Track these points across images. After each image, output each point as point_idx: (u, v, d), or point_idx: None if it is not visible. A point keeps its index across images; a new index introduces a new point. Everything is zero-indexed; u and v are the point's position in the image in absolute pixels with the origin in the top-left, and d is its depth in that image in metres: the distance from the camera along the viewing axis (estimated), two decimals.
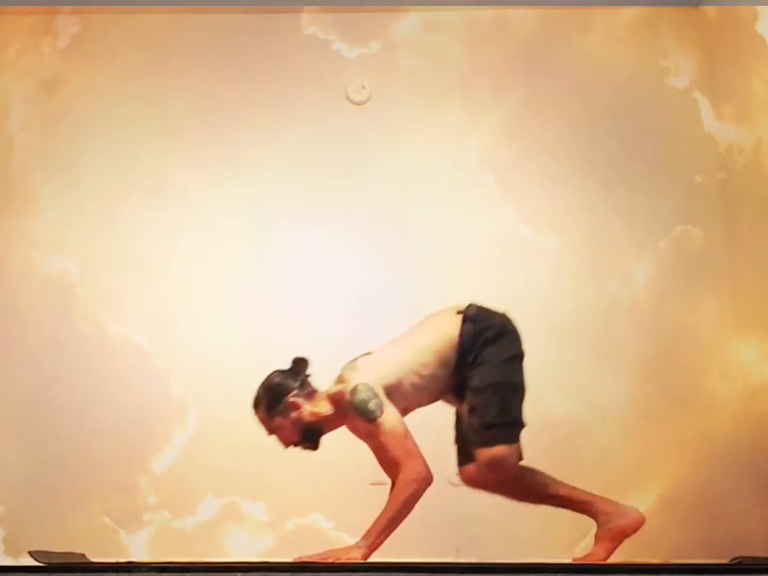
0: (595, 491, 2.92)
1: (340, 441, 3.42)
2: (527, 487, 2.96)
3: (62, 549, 3.89)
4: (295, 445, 3.03)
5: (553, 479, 2.95)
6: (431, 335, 3.00)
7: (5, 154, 4.35)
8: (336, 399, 2.95)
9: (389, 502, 2.87)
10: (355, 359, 3.02)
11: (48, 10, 4.38)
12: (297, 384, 3.02)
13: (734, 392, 3.99)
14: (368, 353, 3.03)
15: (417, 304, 3.97)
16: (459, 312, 3.01)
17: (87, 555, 3.89)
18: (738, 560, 3.02)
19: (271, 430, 3.04)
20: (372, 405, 2.86)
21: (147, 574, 2.46)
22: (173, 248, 4.24)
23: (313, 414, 2.98)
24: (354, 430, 2.99)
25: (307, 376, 3.07)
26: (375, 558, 2.85)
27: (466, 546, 3.88)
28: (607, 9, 4.30)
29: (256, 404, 3.06)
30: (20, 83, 4.38)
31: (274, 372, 3.08)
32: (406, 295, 4.09)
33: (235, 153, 4.29)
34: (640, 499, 3.81)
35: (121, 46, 4.41)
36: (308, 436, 3.01)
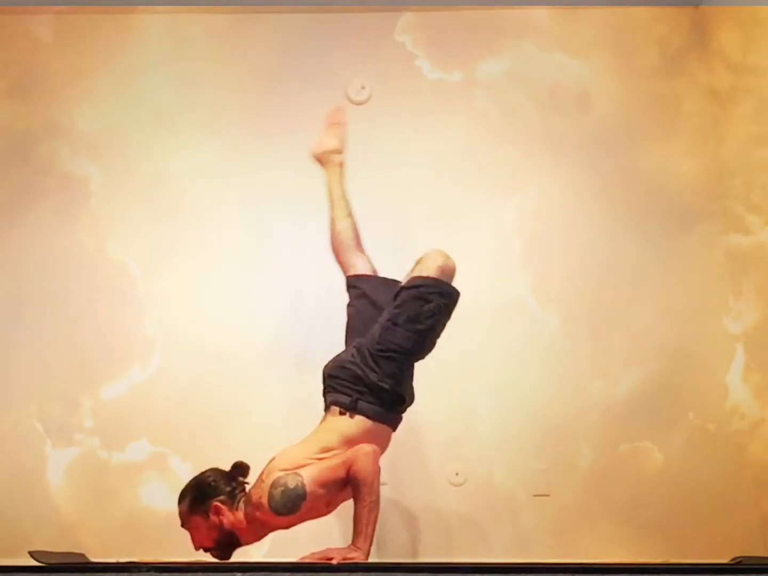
0: None
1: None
2: None
3: None
4: (206, 550, 3.01)
5: None
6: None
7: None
8: (256, 506, 2.93)
9: (360, 494, 2.85)
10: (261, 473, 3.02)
11: None
12: (228, 489, 3.01)
13: None
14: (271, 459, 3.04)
15: None
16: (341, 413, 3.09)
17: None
18: (738, 560, 3.03)
19: (185, 525, 3.03)
20: (291, 484, 2.87)
21: (147, 574, 2.48)
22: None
23: (233, 524, 2.97)
24: (296, 521, 2.96)
25: (243, 483, 3.06)
26: (375, 558, 2.89)
27: (465, 546, 3.87)
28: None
29: (182, 495, 3.05)
30: None
31: (210, 470, 3.08)
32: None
33: (234, 151, 4.29)
34: None
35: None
36: (222, 544, 2.99)
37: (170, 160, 4.29)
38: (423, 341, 3.13)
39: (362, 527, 2.82)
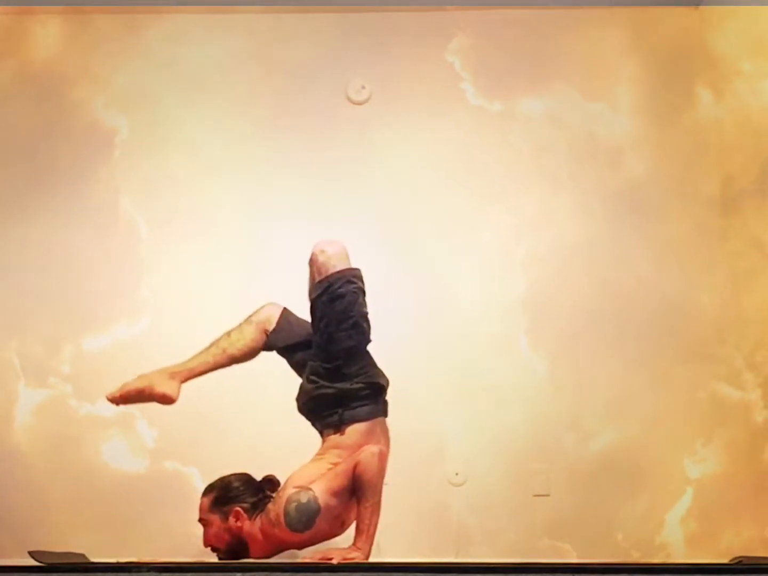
0: None
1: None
2: None
3: None
4: (213, 549, 3.05)
5: None
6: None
7: None
8: (274, 522, 2.96)
9: (363, 495, 2.90)
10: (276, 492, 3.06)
11: None
12: (253, 499, 3.06)
13: None
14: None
15: (416, 306, 4.09)
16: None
17: None
18: (738, 560, 3.04)
19: (202, 520, 3.08)
20: (304, 499, 2.90)
21: (147, 574, 2.51)
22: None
23: (249, 534, 3.01)
24: (312, 539, 2.98)
25: (268, 497, 3.08)
26: (375, 558, 2.90)
27: (466, 546, 3.87)
28: None
29: (207, 490, 3.11)
30: None
31: (239, 474, 3.14)
32: (404, 297, 4.10)
33: (234, 151, 4.28)
34: None
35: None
36: (232, 549, 3.02)
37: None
38: (362, 329, 3.19)
39: (364, 527, 2.87)
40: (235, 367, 3.94)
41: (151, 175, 4.24)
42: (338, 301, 3.13)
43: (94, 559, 3.01)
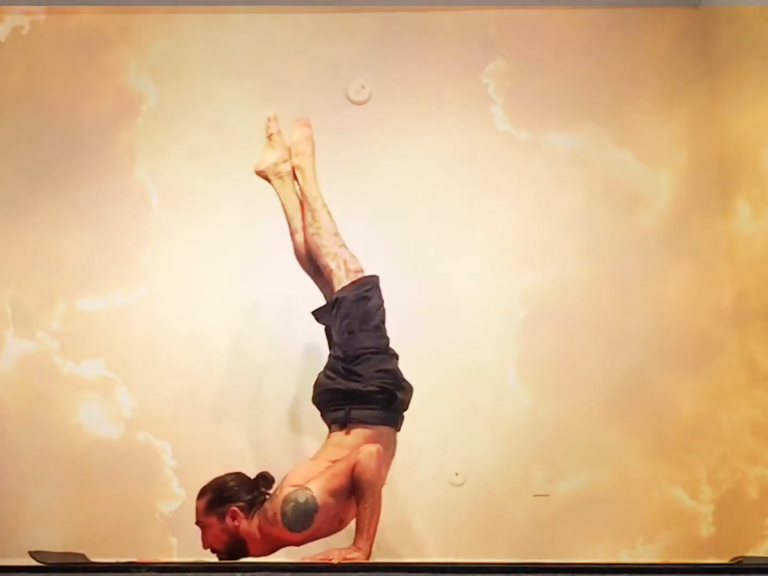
0: None
1: None
2: None
3: None
4: (213, 551, 3.03)
5: None
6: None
7: None
8: (272, 521, 2.93)
9: (362, 495, 2.87)
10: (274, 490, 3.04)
11: None
12: (248, 497, 3.03)
13: None
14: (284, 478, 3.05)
15: (416, 304, 4.07)
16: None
17: None
18: (738, 560, 3.01)
19: (200, 523, 3.04)
20: (301, 499, 2.87)
21: (147, 574, 2.49)
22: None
23: (247, 532, 2.98)
24: (310, 537, 2.95)
25: (264, 494, 3.06)
26: (375, 558, 2.88)
27: (466, 546, 3.84)
28: None
29: (202, 493, 3.07)
30: None
31: (234, 474, 3.10)
32: (404, 296, 4.05)
33: (234, 151, 4.25)
34: None
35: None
36: (231, 549, 3.00)
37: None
38: (382, 333, 3.27)
39: (364, 527, 2.85)
40: (222, 353, 3.99)
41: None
42: (364, 302, 3.24)
43: (94, 558, 2.97)
